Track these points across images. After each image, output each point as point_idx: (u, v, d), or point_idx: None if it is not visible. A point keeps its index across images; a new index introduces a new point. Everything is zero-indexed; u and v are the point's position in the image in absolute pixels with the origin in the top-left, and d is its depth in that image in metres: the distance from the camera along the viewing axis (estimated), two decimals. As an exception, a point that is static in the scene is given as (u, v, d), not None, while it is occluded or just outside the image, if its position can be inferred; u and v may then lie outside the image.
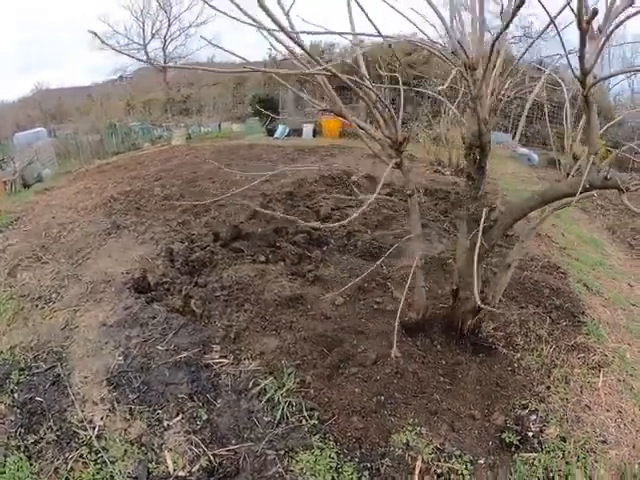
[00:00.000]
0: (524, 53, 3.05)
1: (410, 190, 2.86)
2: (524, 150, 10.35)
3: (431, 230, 5.69)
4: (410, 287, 4.18)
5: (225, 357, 3.07)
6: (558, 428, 2.61)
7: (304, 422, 2.55)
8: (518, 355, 3.28)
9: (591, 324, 3.95)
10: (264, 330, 3.35)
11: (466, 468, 2.28)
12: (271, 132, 13.89)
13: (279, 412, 2.59)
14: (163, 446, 2.44)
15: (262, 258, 4.47)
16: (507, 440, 2.46)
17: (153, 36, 23.37)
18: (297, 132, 13.89)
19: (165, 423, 2.56)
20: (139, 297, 3.75)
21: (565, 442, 2.54)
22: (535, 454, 2.43)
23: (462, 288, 3.28)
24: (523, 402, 2.79)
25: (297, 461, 2.34)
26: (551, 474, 2.35)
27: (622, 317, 4.52)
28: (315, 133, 14.11)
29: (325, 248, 4.94)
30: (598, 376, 3.20)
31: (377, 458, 2.34)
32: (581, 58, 1.89)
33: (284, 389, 2.74)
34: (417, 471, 2.25)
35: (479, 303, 2.05)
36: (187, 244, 4.72)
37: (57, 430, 2.53)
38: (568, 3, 1.79)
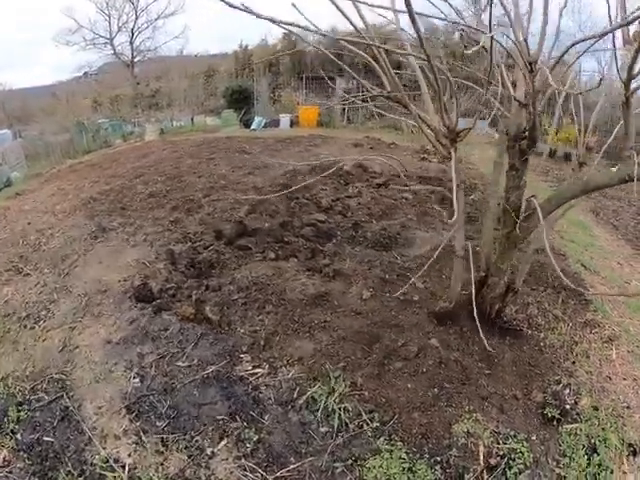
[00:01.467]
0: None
1: (458, 182, 2.59)
2: (502, 135, 10.35)
3: (434, 218, 5.48)
4: (434, 276, 4.07)
5: (259, 367, 2.71)
6: (589, 399, 2.73)
7: (365, 427, 2.32)
8: (542, 335, 3.34)
9: (596, 302, 4.09)
10: (295, 333, 3.01)
11: (523, 446, 2.30)
12: (247, 124, 13.27)
13: (336, 420, 2.34)
14: (212, 477, 2.07)
15: (272, 255, 4.08)
16: (549, 415, 2.53)
17: (120, 29, 21.81)
18: (274, 123, 13.35)
19: (208, 451, 2.18)
20: (144, 307, 3.27)
21: (597, 410, 2.66)
22: (576, 424, 2.53)
23: (492, 274, 3.21)
24: (556, 378, 2.85)
25: (368, 469, 2.13)
26: (592, 440, 2.47)
27: (617, 292, 4.65)
28: (292, 123, 13.63)
29: (334, 240, 4.60)
30: (611, 349, 3.34)
31: (444, 450, 2.26)
32: (630, 68, 1.96)
33: (335, 395, 2.47)
34: (481, 456, 2.25)
35: (518, 287, 1.97)
36: (188, 244, 4.23)
37: (79, 475, 2.08)
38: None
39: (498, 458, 2.25)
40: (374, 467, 2.13)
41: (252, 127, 13.06)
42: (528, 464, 2.24)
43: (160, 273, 3.73)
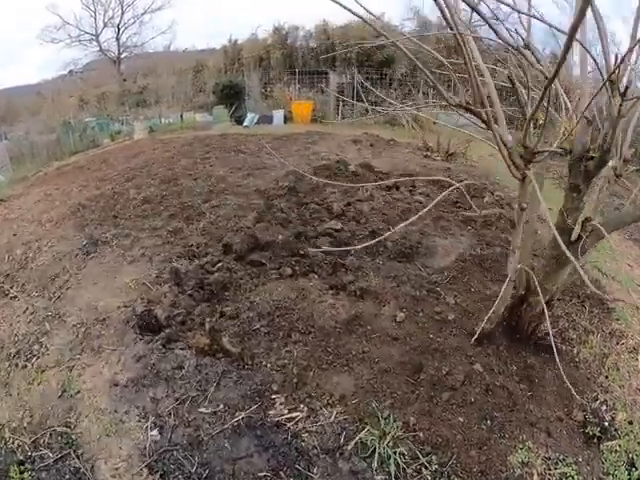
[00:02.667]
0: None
1: (525, 204, 2.40)
2: (501, 131, 10.09)
3: (450, 223, 5.16)
4: (463, 290, 3.76)
5: (296, 409, 2.33)
6: (624, 414, 2.71)
7: (424, 470, 2.13)
8: (575, 350, 3.25)
9: (618, 309, 4.00)
10: (331, 366, 2.63)
11: (572, 469, 2.27)
12: (239, 120, 12.69)
13: (392, 467, 2.08)
14: None
15: (289, 271, 3.67)
16: (590, 433, 2.51)
17: (105, 25, 20.65)
18: (267, 119, 12.81)
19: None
20: (151, 339, 2.84)
21: (631, 424, 2.65)
22: (615, 441, 2.51)
23: (534, 294, 3.00)
24: (593, 395, 2.81)
25: None
26: (630, 455, 2.46)
27: (637, 299, 4.53)
28: (286, 119, 13.11)
29: (352, 251, 4.23)
30: (637, 359, 3.29)
31: None
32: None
33: (388, 438, 2.19)
34: None
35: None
36: (195, 262, 3.78)
37: None
38: None
39: None
40: None
41: (245, 124, 12.48)
42: None
43: (165, 297, 3.29)
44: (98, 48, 20.66)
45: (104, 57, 20.85)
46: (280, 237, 3.96)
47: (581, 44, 2.13)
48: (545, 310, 3.08)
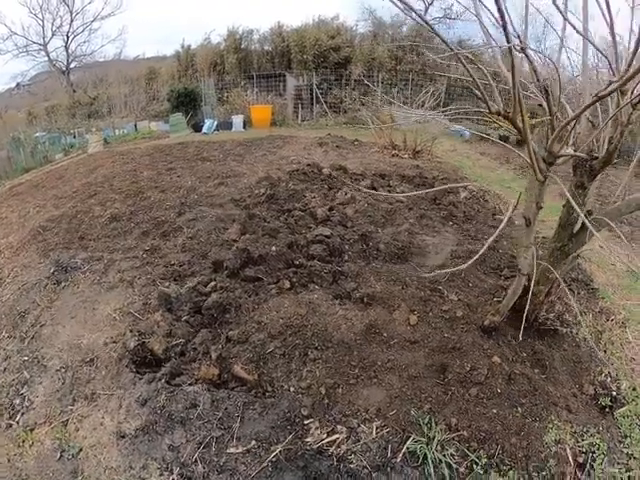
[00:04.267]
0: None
1: (542, 203, 2.45)
2: (456, 127, 10.35)
3: (433, 221, 5.15)
4: (462, 286, 3.74)
5: (333, 431, 2.16)
6: (627, 382, 2.91)
7: (476, 467, 2.14)
8: (574, 330, 3.37)
9: (602, 289, 4.24)
10: (359, 379, 2.47)
11: (597, 438, 2.42)
12: (197, 127, 12.09)
13: (445, 470, 2.07)
14: None
15: (287, 284, 3.43)
16: (603, 404, 2.68)
17: (54, 34, 18.83)
18: (226, 125, 12.31)
19: None
20: (153, 377, 2.49)
21: (635, 390, 2.84)
22: (625, 407, 2.68)
23: (537, 284, 3.09)
24: (598, 369, 2.97)
25: None
26: None
27: (612, 277, 4.83)
28: (245, 124, 12.68)
29: (346, 257, 4.06)
30: (626, 332, 3.53)
31: (545, 463, 2.24)
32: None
33: (435, 442, 2.15)
34: (571, 458, 2.32)
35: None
36: (187, 283, 3.43)
37: None
38: None
39: (583, 455, 2.34)
40: None
41: (203, 130, 11.90)
42: (605, 452, 2.37)
43: (158, 326, 2.92)
44: (47, 58, 18.97)
45: (53, 68, 19.20)
46: (273, 249, 3.70)
47: (595, 46, 2.12)
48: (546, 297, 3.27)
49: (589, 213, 2.66)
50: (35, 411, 2.32)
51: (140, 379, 2.48)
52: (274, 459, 2.00)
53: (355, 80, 12.41)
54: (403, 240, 4.37)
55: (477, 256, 2.31)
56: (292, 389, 2.40)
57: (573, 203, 2.18)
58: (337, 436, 2.14)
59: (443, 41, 1.73)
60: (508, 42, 1.75)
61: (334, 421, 2.22)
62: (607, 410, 2.66)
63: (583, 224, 2.81)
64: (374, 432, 2.17)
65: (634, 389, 2.86)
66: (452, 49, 1.75)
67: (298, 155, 8.54)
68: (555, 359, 2.98)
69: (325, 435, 2.14)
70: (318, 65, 12.60)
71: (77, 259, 4.20)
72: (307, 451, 2.05)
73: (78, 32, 19.09)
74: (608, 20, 2.13)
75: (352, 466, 2.02)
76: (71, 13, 18.62)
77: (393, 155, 8.00)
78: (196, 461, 1.98)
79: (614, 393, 2.75)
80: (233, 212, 5.16)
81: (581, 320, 3.53)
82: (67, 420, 2.24)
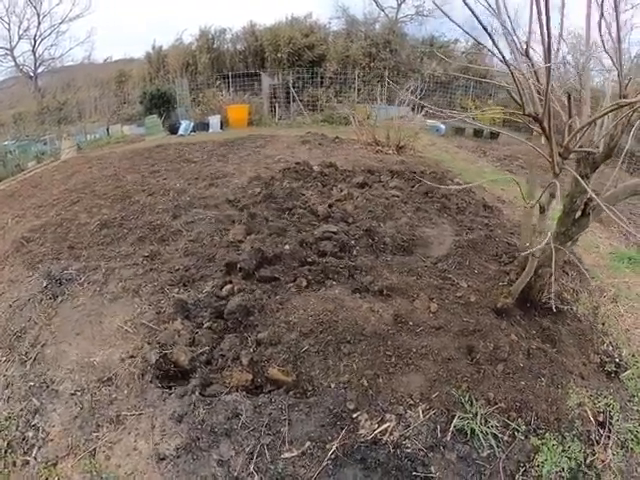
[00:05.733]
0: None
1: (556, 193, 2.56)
2: (432, 121, 10.42)
3: (429, 213, 5.11)
4: (469, 273, 3.76)
5: (383, 420, 2.11)
6: (626, 350, 3.14)
7: (517, 434, 2.24)
8: (574, 308, 3.53)
9: (591, 270, 4.41)
10: (397, 367, 2.45)
11: (610, 399, 2.62)
12: (174, 129, 11.51)
13: (492, 440, 2.17)
14: None
15: (304, 282, 3.25)
16: (609, 370, 2.88)
17: (21, 37, 17.20)
18: (203, 126, 11.80)
19: None
20: (184, 391, 2.24)
21: (634, 357, 3.08)
22: (628, 371, 2.92)
23: (542, 266, 3.32)
24: (599, 340, 3.16)
25: (539, 466, 2.13)
26: None
27: (597, 258, 5.03)
28: (222, 125, 12.21)
29: (355, 252, 3.92)
30: (618, 307, 3.76)
31: (573, 424, 2.39)
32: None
33: (478, 417, 2.24)
34: (592, 418, 2.49)
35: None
36: (205, 287, 3.16)
37: None
38: None
39: (602, 414, 2.52)
40: (542, 462, 2.15)
41: (180, 132, 11.34)
42: (618, 411, 2.57)
43: (179, 335, 2.66)
44: (13, 63, 17.47)
45: (20, 73, 17.72)
46: (287, 247, 3.50)
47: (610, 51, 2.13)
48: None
49: (590, 200, 2.81)
50: (54, 443, 2.01)
51: (170, 394, 2.23)
52: (333, 456, 1.91)
53: (329, 78, 12.22)
54: (406, 233, 4.30)
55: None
56: (332, 385, 2.29)
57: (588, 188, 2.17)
58: (387, 424, 2.10)
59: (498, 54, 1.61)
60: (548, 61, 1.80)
61: (382, 410, 2.18)
62: (613, 375, 2.88)
63: (584, 210, 2.95)
64: (421, 415, 2.18)
65: (633, 355, 3.12)
66: (506, 62, 1.69)
67: (282, 154, 8.28)
68: (562, 334, 3.11)
69: (376, 425, 2.09)
70: (292, 63, 12.32)
71: (71, 270, 3.80)
72: (362, 443, 2.00)
73: (45, 35, 17.73)
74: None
75: (409, 451, 2.00)
76: (38, 15, 17.26)
77: (377, 151, 7.92)
78: (251, 473, 1.79)
79: (617, 360, 2.97)
80: (231, 213, 4.88)
81: (577, 298, 3.70)
82: (94, 449, 1.96)
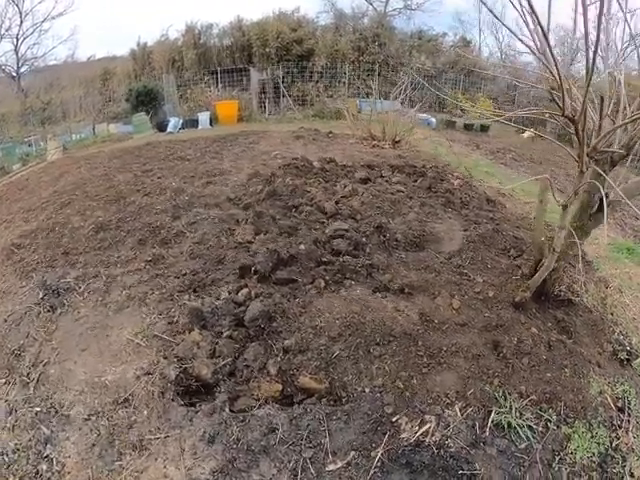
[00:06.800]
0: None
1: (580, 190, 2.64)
2: (423, 115, 10.27)
3: (434, 208, 4.96)
4: (482, 268, 3.66)
5: (423, 422, 2.04)
6: (635, 338, 3.19)
7: (549, 424, 2.25)
8: (584, 299, 3.53)
9: (595, 262, 4.42)
10: (429, 367, 2.35)
11: (626, 385, 2.69)
12: (162, 127, 11.02)
13: (527, 432, 2.17)
14: None
15: (322, 283, 3.04)
16: (621, 358, 2.94)
17: (3, 37, 16.15)
18: (192, 123, 11.35)
19: None
20: (213, 408, 2.02)
21: None
22: (639, 359, 2.96)
23: (558, 260, 3.30)
24: (610, 330, 3.18)
25: (570, 453, 2.16)
26: None
27: (598, 250, 5.03)
28: (211, 121, 11.78)
29: (368, 249, 3.73)
30: (623, 297, 3.79)
31: (596, 410, 2.42)
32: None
33: (513, 411, 2.23)
34: (612, 404, 2.54)
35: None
36: (222, 294, 2.91)
37: None
38: None
39: (620, 400, 2.58)
40: (575, 449, 2.17)
41: (168, 129, 10.88)
42: (635, 395, 2.63)
43: (199, 347, 2.42)
44: None
45: (2, 74, 16.70)
46: (302, 247, 3.28)
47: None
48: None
49: (606, 196, 2.77)
50: (72, 476, 1.76)
51: (196, 412, 2.00)
52: (379, 464, 1.81)
53: (319, 72, 11.91)
54: (416, 229, 4.14)
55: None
56: (367, 390, 2.16)
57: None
58: (428, 425, 2.03)
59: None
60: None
61: (420, 412, 2.10)
62: (625, 362, 2.95)
63: (599, 206, 2.97)
64: (459, 413, 2.13)
65: None
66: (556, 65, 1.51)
67: (278, 149, 8.00)
68: (577, 325, 3.13)
69: (417, 427, 2.02)
70: (281, 58, 11.93)
71: (68, 278, 3.49)
72: (406, 447, 1.91)
73: (28, 34, 16.74)
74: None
75: (452, 450, 1.95)
76: (21, 14, 16.22)
77: (373, 146, 7.72)
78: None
79: (628, 348, 3.03)
80: (234, 212, 4.60)
81: (586, 289, 3.68)
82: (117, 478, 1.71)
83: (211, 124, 11.63)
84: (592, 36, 1.74)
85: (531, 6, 1.78)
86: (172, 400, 2.10)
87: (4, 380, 2.42)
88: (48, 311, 3.06)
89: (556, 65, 1.88)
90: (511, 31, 1.89)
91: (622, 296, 3.83)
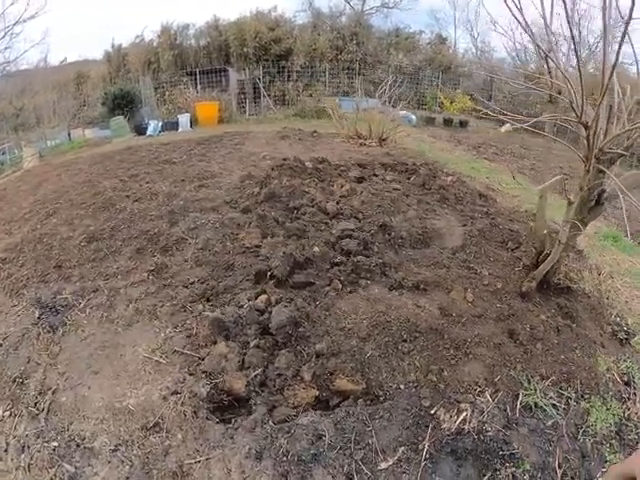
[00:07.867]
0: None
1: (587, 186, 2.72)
2: (403, 112, 10.28)
3: (431, 205, 4.94)
4: (486, 262, 3.70)
5: (459, 411, 2.10)
6: (631, 319, 3.35)
7: (570, 401, 2.38)
8: (583, 286, 3.63)
9: (586, 251, 4.55)
10: (457, 358, 2.39)
11: (629, 362, 2.83)
12: (141, 130, 10.48)
13: (552, 410, 2.29)
14: None
15: (338, 284, 2.92)
16: (621, 337, 3.10)
17: None
18: (172, 125, 10.86)
19: None
20: (255, 422, 1.86)
21: (639, 324, 3.30)
22: (637, 337, 3.14)
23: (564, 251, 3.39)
24: (607, 312, 3.33)
25: (595, 422, 2.31)
26: None
27: (587, 239, 5.19)
28: (191, 123, 11.32)
29: (375, 248, 3.63)
30: (615, 282, 3.96)
31: (607, 385, 2.57)
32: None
33: (538, 392, 2.34)
34: (619, 379, 2.68)
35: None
36: (247, 303, 2.72)
37: None
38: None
39: (625, 375, 2.72)
40: (594, 421, 2.31)
41: (148, 133, 10.36)
42: (637, 370, 2.76)
43: (227, 359, 2.23)
44: None
45: None
46: (316, 249, 3.14)
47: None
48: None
49: (604, 191, 2.93)
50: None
51: (235, 429, 1.84)
52: (427, 455, 1.82)
53: (297, 72, 11.68)
54: (418, 226, 4.11)
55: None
56: (402, 386, 2.16)
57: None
58: (465, 413, 2.08)
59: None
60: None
61: (455, 401, 2.13)
62: (624, 341, 3.11)
63: (598, 200, 3.09)
64: (490, 399, 2.20)
65: (638, 323, 3.38)
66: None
67: (265, 150, 7.77)
68: (578, 310, 3.24)
69: (455, 417, 2.05)
70: (259, 58, 11.61)
71: (65, 294, 3.20)
72: (448, 436, 1.95)
73: None
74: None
75: (490, 434, 2.00)
76: None
77: (360, 144, 7.63)
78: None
79: (625, 328, 3.21)
80: (233, 215, 4.37)
81: (582, 277, 3.84)
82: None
83: (192, 126, 11.18)
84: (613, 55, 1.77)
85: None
86: (207, 419, 1.93)
87: (8, 412, 2.14)
88: (48, 332, 2.77)
89: (580, 77, 1.88)
90: (532, 37, 1.85)
91: (613, 281, 4.00)
